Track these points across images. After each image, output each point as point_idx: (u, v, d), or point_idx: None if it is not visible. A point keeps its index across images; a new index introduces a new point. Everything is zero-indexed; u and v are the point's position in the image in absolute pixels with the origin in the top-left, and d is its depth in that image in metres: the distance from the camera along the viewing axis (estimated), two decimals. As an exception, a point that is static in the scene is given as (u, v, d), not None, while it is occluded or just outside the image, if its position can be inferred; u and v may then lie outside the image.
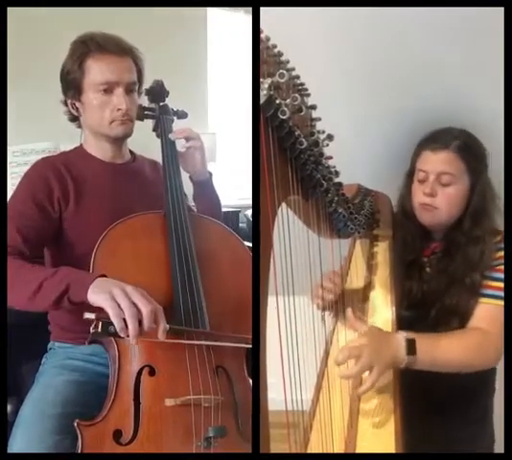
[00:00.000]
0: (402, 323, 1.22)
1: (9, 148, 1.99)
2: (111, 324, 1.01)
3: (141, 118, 1.40)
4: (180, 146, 1.37)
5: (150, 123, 1.44)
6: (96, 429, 1.02)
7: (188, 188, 1.42)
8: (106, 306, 1.01)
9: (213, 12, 3.58)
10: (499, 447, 1.27)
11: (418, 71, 1.35)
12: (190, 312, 1.12)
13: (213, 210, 1.43)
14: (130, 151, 1.45)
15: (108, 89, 1.27)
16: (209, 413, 1.04)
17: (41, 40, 2.58)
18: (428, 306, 1.26)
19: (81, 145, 1.39)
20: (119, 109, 1.27)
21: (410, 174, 1.32)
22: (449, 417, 1.26)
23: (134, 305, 1.01)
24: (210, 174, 1.44)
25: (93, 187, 1.31)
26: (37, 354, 1.37)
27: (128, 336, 1.00)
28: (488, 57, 1.22)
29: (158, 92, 1.43)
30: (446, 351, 1.11)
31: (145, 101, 1.43)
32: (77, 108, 1.33)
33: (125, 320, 1.00)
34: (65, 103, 1.35)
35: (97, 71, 1.26)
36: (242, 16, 3.69)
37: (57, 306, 1.09)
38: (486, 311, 1.19)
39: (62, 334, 1.34)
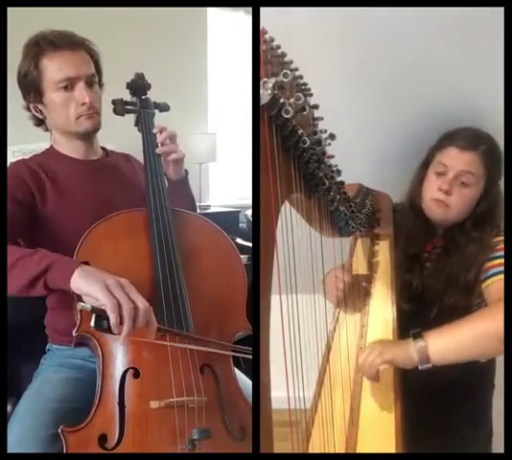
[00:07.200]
0: (403, 318, 1.22)
1: (9, 148, 1.99)
2: (105, 318, 0.93)
3: (122, 113, 1.37)
4: (160, 150, 1.31)
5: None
6: (80, 435, 0.99)
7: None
8: (103, 297, 0.94)
9: (213, 12, 3.58)
10: (499, 447, 1.27)
11: (418, 71, 1.35)
12: (173, 312, 1.09)
13: (187, 207, 1.39)
14: (102, 147, 1.42)
15: (69, 85, 1.24)
16: (194, 415, 1.01)
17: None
18: (428, 303, 1.26)
19: (52, 146, 1.37)
20: (83, 104, 1.25)
21: (425, 166, 1.31)
22: (446, 410, 1.27)
23: (132, 300, 0.96)
24: (186, 173, 1.40)
25: (71, 186, 1.29)
26: (38, 354, 1.36)
27: (119, 334, 0.95)
28: (488, 57, 1.22)
29: (139, 86, 1.39)
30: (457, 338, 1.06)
31: (127, 94, 1.40)
32: (40, 111, 1.30)
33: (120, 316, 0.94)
34: (28, 109, 1.32)
35: (54, 69, 1.24)
36: (242, 16, 3.69)
37: (29, 289, 1.02)
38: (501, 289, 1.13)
39: (59, 338, 1.31)
